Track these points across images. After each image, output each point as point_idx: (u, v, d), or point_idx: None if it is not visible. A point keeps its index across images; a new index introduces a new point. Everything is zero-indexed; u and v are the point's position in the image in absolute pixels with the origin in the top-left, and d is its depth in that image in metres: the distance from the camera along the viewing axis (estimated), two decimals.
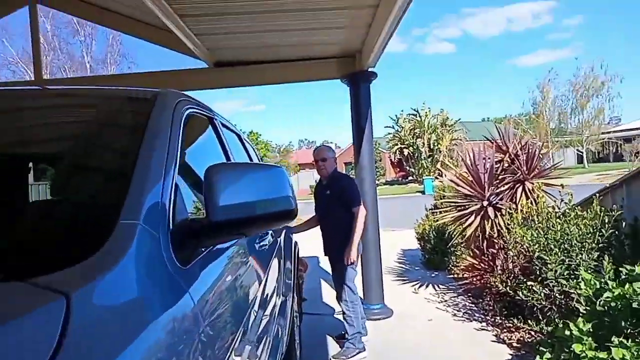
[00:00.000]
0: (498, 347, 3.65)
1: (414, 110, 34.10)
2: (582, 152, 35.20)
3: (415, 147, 32.92)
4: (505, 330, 3.95)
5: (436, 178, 31.52)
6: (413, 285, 5.73)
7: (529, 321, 3.75)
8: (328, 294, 5.55)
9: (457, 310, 4.62)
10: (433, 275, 6.25)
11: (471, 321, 4.29)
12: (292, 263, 3.07)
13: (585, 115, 34.91)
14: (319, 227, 3.89)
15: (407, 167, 34.71)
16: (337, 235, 3.64)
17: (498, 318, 4.25)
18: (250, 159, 2.88)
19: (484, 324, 4.19)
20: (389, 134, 35.71)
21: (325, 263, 7.38)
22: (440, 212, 5.95)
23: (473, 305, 4.74)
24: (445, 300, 5.00)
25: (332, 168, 3.76)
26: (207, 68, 4.63)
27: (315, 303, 5.17)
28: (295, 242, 3.59)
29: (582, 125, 35.04)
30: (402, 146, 33.82)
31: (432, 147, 32.52)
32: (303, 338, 3.96)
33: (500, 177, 4.76)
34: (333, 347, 3.92)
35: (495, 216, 4.46)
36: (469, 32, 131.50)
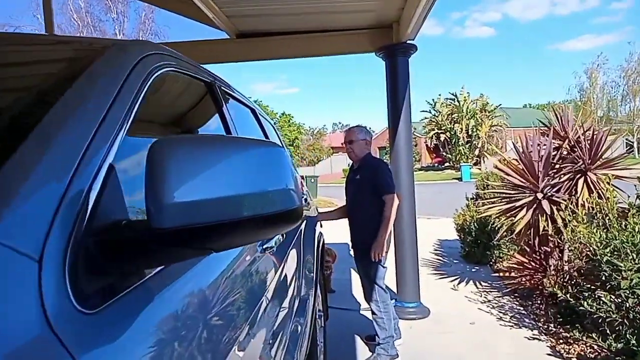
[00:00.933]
0: None
1: (452, 94, 32.94)
2: (632, 142, 33.20)
3: (452, 133, 31.87)
4: (562, 342, 3.44)
5: (474, 165, 30.56)
6: (452, 281, 5.25)
7: (593, 334, 3.22)
8: (358, 285, 5.14)
9: (503, 313, 4.13)
10: (474, 270, 5.74)
11: (520, 327, 3.79)
12: (315, 256, 2.66)
13: (637, 102, 32.83)
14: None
15: (444, 153, 33.72)
16: (365, 227, 3.19)
17: (552, 325, 3.74)
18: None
19: (535, 331, 3.68)
20: (425, 118, 34.72)
21: None
22: (484, 204, 5.42)
23: (521, 309, 4.22)
24: (489, 301, 4.50)
25: (362, 151, 3.31)
26: (228, 39, 4.22)
27: (343, 296, 4.77)
28: (320, 233, 3.18)
29: (633, 114, 33.01)
30: (439, 131, 32.85)
31: (470, 133, 31.40)
32: (328, 336, 3.59)
33: (557, 166, 4.18)
34: (361, 348, 3.51)
35: (552, 211, 3.91)
36: (509, 15, 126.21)
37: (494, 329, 3.79)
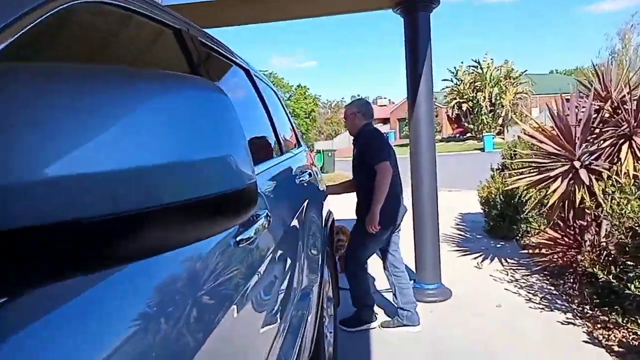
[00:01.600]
0: (593, 350, 2.81)
1: (475, 61, 31.78)
2: None
3: (475, 102, 30.89)
4: (599, 327, 3.09)
5: (497, 135, 29.63)
6: (475, 258, 4.90)
7: (638, 318, 2.86)
8: (373, 264, 4.85)
9: (532, 294, 3.77)
10: (499, 245, 5.38)
11: (552, 310, 3.44)
12: (322, 238, 2.34)
13: None
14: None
15: (465, 123, 32.81)
16: (363, 200, 3.16)
17: (587, 308, 3.38)
18: (268, 113, 2.10)
19: (569, 314, 3.33)
20: (447, 87, 33.70)
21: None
22: (511, 175, 5.01)
23: (552, 288, 3.86)
24: (516, 280, 4.14)
25: (355, 125, 3.27)
26: (218, 1, 3.80)
27: None
28: (330, 212, 2.85)
29: None
30: (461, 100, 31.89)
31: (493, 101, 30.40)
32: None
33: (596, 131, 3.74)
34: (375, 334, 3.23)
35: (590, 181, 3.49)
36: None
37: (522, 312, 3.45)
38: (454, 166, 16.95)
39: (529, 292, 3.82)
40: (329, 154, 18.12)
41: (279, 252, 1.46)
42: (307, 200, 1.98)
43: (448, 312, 3.53)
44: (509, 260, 4.74)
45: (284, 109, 2.74)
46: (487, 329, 3.20)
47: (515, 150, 5.98)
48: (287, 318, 1.57)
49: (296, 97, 16.25)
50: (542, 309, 3.47)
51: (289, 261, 1.58)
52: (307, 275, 1.84)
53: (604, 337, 2.97)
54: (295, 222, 1.73)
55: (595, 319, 3.20)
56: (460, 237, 5.95)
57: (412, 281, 3.92)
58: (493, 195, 5.63)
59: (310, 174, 2.31)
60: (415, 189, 3.81)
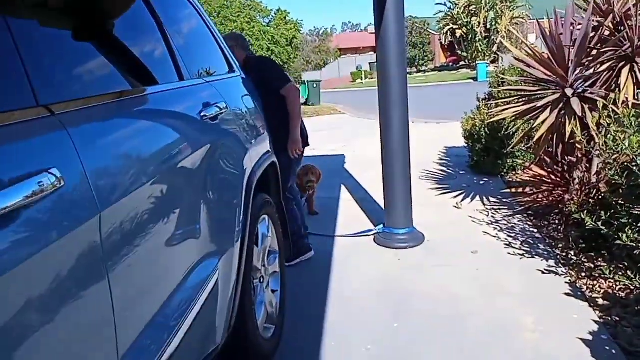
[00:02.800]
0: (575, 304, 2.49)
1: None
2: None
3: (469, 28, 29.49)
4: (584, 276, 2.77)
5: (491, 63, 28.54)
6: (455, 197, 4.53)
7: (627, 268, 2.51)
8: (347, 206, 4.48)
9: (513, 238, 3.44)
10: (482, 182, 5.00)
11: (533, 256, 3.11)
12: (244, 190, 1.86)
13: None
14: None
15: (459, 51, 31.56)
16: (279, 128, 2.93)
17: (572, 253, 3.05)
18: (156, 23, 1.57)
19: (551, 262, 3.00)
20: (440, 12, 32.05)
21: (355, 164, 6.26)
22: (498, 105, 4.52)
23: (535, 231, 3.52)
24: (497, 222, 3.80)
25: (238, 57, 2.89)
26: None
27: (326, 220, 4.12)
28: (264, 159, 2.33)
29: None
30: (455, 27, 30.44)
31: (489, 27, 29.01)
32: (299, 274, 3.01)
33: (593, 53, 3.22)
34: (334, 289, 2.91)
35: (583, 112, 3.03)
36: None
37: (500, 259, 3.12)
38: (444, 97, 16.34)
39: (509, 236, 3.48)
40: (314, 85, 17.27)
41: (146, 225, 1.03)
42: (208, 146, 1.49)
43: (418, 259, 3.20)
44: (491, 198, 4.38)
45: (203, 27, 2.17)
46: (458, 280, 2.87)
47: (503, 78, 5.45)
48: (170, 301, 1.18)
49: (276, 23, 15.06)
50: (522, 255, 3.14)
51: (164, 234, 1.15)
52: (209, 243, 1.42)
53: (587, 288, 2.65)
54: (177, 177, 1.28)
55: (579, 266, 2.87)
56: (443, 173, 5.56)
57: (381, 225, 3.58)
58: (477, 128, 5.17)
59: (225, 110, 1.78)
60: (383, 122, 3.34)
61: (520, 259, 3.09)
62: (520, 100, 3.54)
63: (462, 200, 4.42)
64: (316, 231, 3.76)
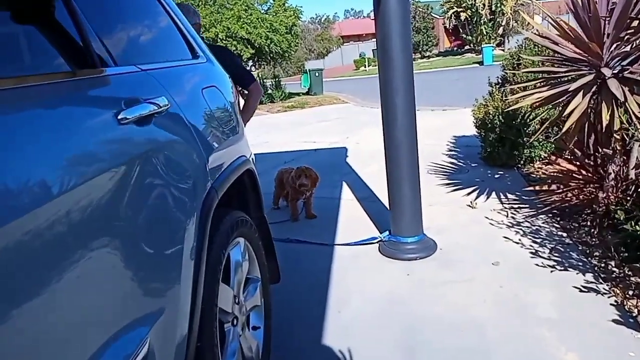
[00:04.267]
0: (628, 336, 2.02)
1: None
2: None
3: (474, 10, 28.66)
4: (632, 294, 2.29)
5: (497, 46, 27.75)
6: (469, 194, 4.05)
7: None
8: (348, 207, 4.02)
9: (539, 245, 2.96)
10: (497, 176, 4.52)
11: (565, 268, 2.63)
12: (199, 213, 1.39)
13: None
14: None
15: (464, 35, 30.74)
16: None
17: (612, 264, 2.58)
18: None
19: (589, 275, 2.53)
20: None
21: (358, 158, 5.78)
22: (514, 90, 4.03)
23: (564, 235, 3.05)
24: (518, 224, 3.32)
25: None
26: None
27: (324, 225, 3.66)
28: (245, 158, 1.89)
29: None
30: (459, 9, 29.60)
31: (494, 9, 28.17)
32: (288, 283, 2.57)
33: (633, 24, 2.71)
34: (332, 313, 2.46)
35: (624, 95, 2.54)
36: None
37: (526, 273, 2.64)
38: (450, 83, 15.75)
39: (534, 241, 3.00)
40: (316, 74, 16.69)
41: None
42: (126, 163, 1.01)
43: (430, 274, 2.73)
44: (509, 195, 3.90)
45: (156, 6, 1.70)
46: (479, 300, 2.40)
47: (518, 60, 4.93)
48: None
49: (275, 10, 14.42)
50: (553, 266, 2.67)
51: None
52: (130, 307, 0.97)
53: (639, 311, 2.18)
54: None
55: (624, 282, 2.40)
56: (452, 166, 5.07)
57: (387, 232, 3.12)
58: (491, 116, 4.67)
59: (165, 107, 1.29)
60: (385, 115, 2.86)
61: (551, 271, 2.62)
62: (545, 83, 3.05)
63: (477, 197, 3.94)
64: (313, 238, 3.31)
